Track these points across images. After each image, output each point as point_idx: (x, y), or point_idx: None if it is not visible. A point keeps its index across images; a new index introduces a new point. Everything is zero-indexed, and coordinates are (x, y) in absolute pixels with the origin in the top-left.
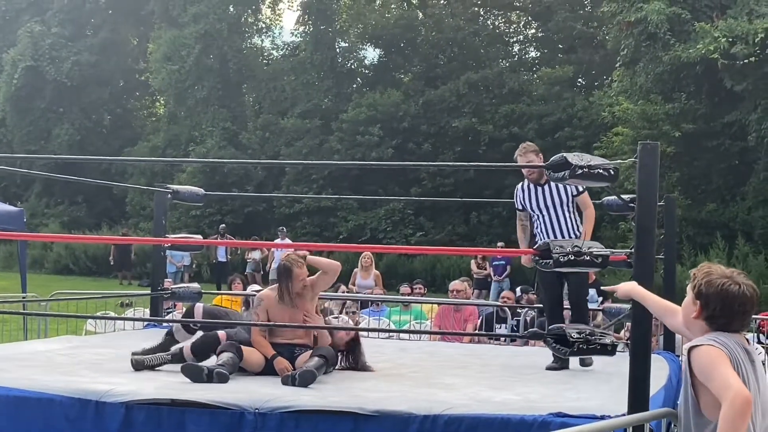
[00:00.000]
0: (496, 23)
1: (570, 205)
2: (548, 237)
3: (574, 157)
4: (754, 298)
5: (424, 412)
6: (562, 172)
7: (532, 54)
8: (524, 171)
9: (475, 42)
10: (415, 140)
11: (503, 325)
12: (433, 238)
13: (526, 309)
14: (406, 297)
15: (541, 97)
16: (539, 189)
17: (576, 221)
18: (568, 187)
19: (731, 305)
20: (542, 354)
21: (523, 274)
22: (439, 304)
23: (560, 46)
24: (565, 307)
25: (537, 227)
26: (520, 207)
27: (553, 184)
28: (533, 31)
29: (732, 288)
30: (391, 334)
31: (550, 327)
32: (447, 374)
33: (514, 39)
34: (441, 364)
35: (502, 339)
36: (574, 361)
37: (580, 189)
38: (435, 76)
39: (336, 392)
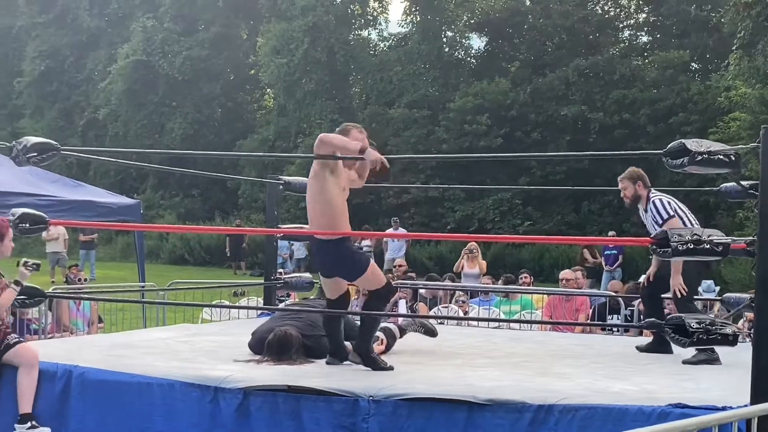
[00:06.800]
0: (606, 8)
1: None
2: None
3: (693, 144)
4: None
5: (538, 401)
6: (681, 159)
7: (644, 39)
8: (623, 197)
9: (585, 28)
10: (524, 129)
11: (616, 316)
12: (542, 228)
13: (640, 299)
14: (513, 287)
15: (653, 83)
16: (644, 213)
17: None
18: (656, 215)
19: None
20: None
21: (635, 263)
22: (549, 294)
23: (673, 30)
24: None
25: None
26: None
27: (649, 209)
28: (644, 15)
29: None
30: (501, 324)
31: (668, 317)
32: (560, 364)
33: (625, 24)
34: (554, 354)
35: (615, 329)
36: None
37: (664, 216)
38: (543, 63)
39: (449, 380)
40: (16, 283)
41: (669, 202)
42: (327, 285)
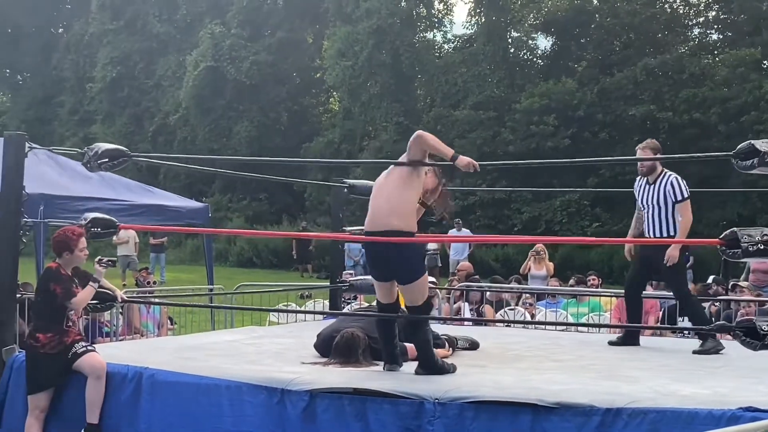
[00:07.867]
0: (675, 6)
1: (670, 208)
2: (648, 231)
3: (763, 144)
4: None
5: (606, 405)
6: (750, 160)
7: (714, 37)
8: (638, 165)
9: (653, 26)
10: (591, 129)
11: (686, 318)
12: (611, 229)
13: (711, 301)
14: (579, 289)
15: (724, 81)
16: (648, 186)
17: (673, 225)
18: (671, 193)
19: None
20: (730, 347)
21: (706, 265)
22: (617, 296)
23: (744, 27)
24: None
25: (644, 220)
26: (636, 199)
27: (661, 184)
28: (714, 13)
29: None
30: (568, 326)
31: (739, 319)
32: (629, 367)
33: (694, 22)
34: (622, 357)
35: (686, 332)
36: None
37: (680, 197)
38: (610, 63)
39: (515, 384)
40: (94, 280)
41: (685, 184)
42: (381, 288)
